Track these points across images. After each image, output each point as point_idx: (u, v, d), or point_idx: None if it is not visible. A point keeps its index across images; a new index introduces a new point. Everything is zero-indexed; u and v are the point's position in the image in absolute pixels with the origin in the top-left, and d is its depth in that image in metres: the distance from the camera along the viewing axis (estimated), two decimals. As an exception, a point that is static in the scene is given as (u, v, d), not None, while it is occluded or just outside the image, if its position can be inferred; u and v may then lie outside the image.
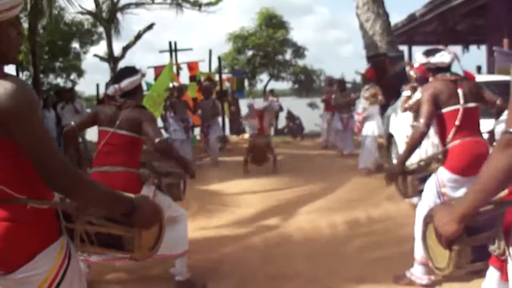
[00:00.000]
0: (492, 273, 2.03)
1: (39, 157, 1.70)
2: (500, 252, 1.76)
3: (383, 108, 9.97)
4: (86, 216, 2.01)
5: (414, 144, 3.89)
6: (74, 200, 1.89)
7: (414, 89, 6.15)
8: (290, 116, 17.68)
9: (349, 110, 11.31)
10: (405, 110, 6.40)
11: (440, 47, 4.14)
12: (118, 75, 4.01)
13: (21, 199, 1.76)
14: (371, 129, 9.39)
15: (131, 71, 3.96)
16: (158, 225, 2.19)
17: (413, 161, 4.51)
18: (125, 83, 3.87)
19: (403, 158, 4.01)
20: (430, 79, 4.01)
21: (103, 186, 1.87)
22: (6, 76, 1.71)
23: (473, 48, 20.79)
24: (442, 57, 3.93)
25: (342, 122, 11.30)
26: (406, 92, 6.59)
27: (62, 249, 1.86)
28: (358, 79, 11.26)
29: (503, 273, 1.86)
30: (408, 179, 4.01)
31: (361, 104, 9.71)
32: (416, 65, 5.61)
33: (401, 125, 7.56)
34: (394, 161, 6.96)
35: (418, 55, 4.14)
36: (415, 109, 5.51)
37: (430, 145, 5.68)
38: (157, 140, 3.70)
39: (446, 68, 3.95)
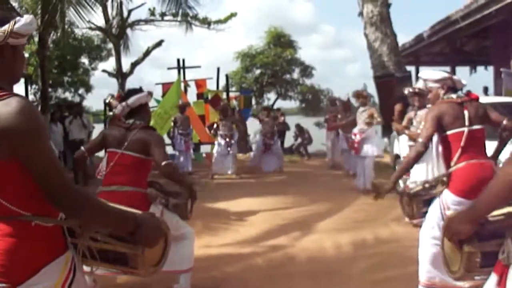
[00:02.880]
0: (492, 280, 2.03)
1: (44, 177, 1.73)
2: (508, 261, 1.84)
3: (389, 129, 9.97)
4: (89, 233, 2.05)
5: (409, 163, 3.86)
6: (78, 219, 1.92)
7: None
8: (299, 129, 17.45)
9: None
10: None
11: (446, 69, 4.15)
12: (125, 95, 4.09)
13: (25, 216, 1.78)
14: (370, 150, 9.44)
15: (137, 90, 4.05)
16: (163, 241, 2.21)
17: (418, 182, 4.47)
18: (132, 99, 3.94)
19: (397, 176, 3.99)
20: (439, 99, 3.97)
21: (109, 205, 1.92)
22: (13, 95, 1.74)
23: (480, 69, 20.76)
24: (459, 78, 3.97)
25: (348, 142, 11.29)
26: (409, 114, 6.65)
27: (67, 263, 1.88)
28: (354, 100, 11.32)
29: (502, 280, 1.92)
30: (413, 201, 3.98)
31: (358, 126, 9.70)
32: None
33: (407, 145, 7.54)
34: (401, 182, 6.92)
35: (430, 73, 4.11)
36: None
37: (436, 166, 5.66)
38: (163, 163, 3.74)
39: (453, 90, 3.94)
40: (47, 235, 1.84)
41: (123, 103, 3.97)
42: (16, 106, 1.69)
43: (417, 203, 3.99)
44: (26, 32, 1.84)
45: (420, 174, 6.10)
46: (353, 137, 9.86)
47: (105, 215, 1.89)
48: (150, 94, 4.05)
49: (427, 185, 4.02)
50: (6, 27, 1.78)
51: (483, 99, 4.25)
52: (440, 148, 3.97)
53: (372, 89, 15.09)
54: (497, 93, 12.76)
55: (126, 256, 2.12)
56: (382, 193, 4.01)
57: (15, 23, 1.79)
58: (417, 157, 3.77)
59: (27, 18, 1.84)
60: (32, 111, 1.73)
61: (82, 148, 4.19)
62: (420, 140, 3.75)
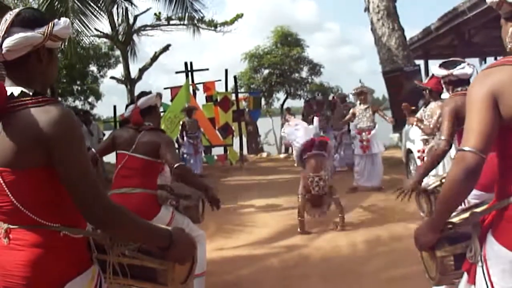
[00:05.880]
0: (464, 278, 2.05)
1: (78, 186, 1.67)
2: (476, 259, 1.90)
3: (400, 124, 9.92)
4: (119, 247, 1.98)
5: (434, 162, 3.77)
6: (111, 234, 1.86)
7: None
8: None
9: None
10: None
11: (458, 59, 4.04)
12: (136, 98, 4.05)
13: (53, 226, 1.71)
14: (381, 146, 9.47)
15: (147, 93, 4.02)
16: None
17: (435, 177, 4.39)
18: (141, 100, 3.92)
19: (421, 175, 3.90)
20: (444, 94, 3.89)
21: (142, 219, 1.84)
22: (50, 102, 1.69)
23: (490, 60, 20.53)
24: (464, 69, 3.83)
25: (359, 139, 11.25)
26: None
27: (93, 278, 1.82)
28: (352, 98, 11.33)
29: (470, 276, 1.95)
30: (430, 196, 3.90)
31: (362, 124, 9.57)
32: (426, 80, 5.50)
33: (419, 139, 7.47)
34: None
35: (436, 68, 4.03)
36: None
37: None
38: (175, 165, 3.67)
39: (466, 81, 3.84)
40: (73, 247, 1.77)
41: (132, 106, 3.94)
42: (56, 114, 1.64)
43: (435, 199, 3.91)
44: (63, 35, 1.80)
45: (437, 169, 6.02)
46: (357, 135, 9.74)
47: (138, 229, 1.82)
48: (159, 95, 4.01)
49: (444, 180, 3.94)
50: (45, 29, 1.74)
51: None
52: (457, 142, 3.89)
53: (372, 84, 15.01)
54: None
55: (155, 272, 2.04)
56: (406, 192, 3.95)
57: (54, 25, 1.75)
58: (442, 156, 3.67)
59: (65, 21, 1.80)
60: (71, 119, 1.69)
61: (93, 150, 4.17)
62: (442, 137, 3.65)
